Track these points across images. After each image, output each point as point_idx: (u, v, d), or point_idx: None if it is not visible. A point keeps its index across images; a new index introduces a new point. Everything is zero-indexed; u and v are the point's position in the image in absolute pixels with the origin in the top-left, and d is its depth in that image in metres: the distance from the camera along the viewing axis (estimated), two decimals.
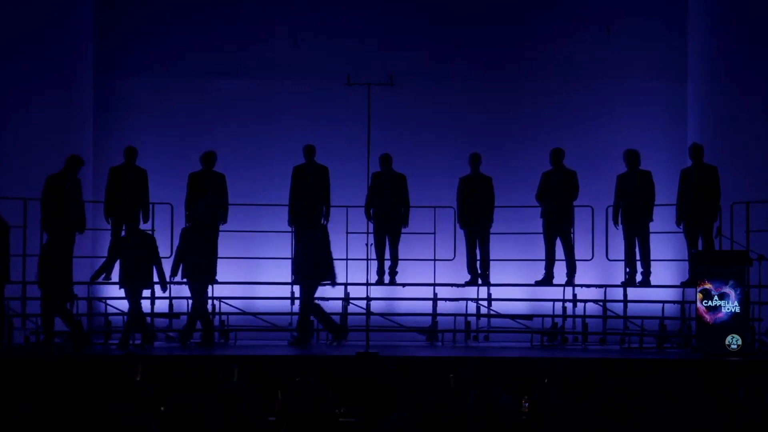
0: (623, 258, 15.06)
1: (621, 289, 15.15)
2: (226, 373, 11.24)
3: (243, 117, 17.13)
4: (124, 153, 15.16)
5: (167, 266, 14.42)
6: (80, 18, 16.82)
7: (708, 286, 13.34)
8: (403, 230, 15.53)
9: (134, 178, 15.02)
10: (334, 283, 14.80)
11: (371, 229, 15.39)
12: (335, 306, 15.57)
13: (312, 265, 14.53)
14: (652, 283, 14.97)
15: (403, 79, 15.31)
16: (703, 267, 13.51)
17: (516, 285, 15.60)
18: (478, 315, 15.65)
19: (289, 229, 15.57)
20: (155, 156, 16.89)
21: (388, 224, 15.42)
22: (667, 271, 15.50)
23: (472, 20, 17.12)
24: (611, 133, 16.86)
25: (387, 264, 15.48)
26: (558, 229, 15.13)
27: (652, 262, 14.97)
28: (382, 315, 15.42)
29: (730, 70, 15.89)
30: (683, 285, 14.70)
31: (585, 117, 17.00)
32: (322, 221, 15.17)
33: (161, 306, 15.35)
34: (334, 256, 15.57)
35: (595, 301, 15.32)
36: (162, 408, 11.06)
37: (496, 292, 15.67)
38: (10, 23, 15.63)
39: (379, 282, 15.45)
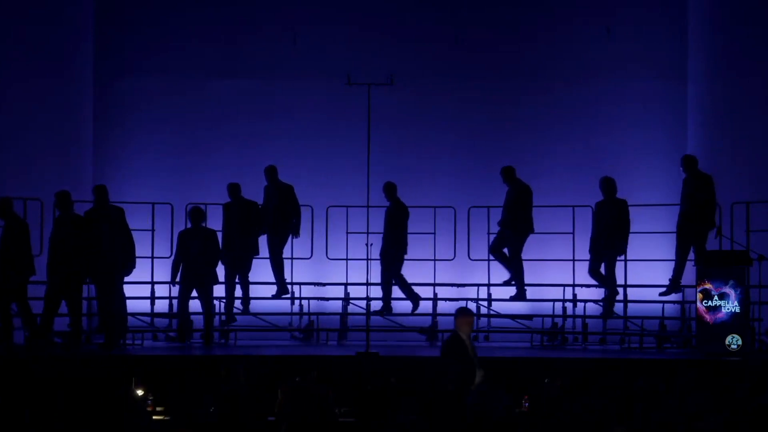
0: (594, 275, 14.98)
1: (620, 289, 15.12)
2: (229, 372, 11.22)
3: (243, 117, 17.14)
4: (93, 193, 14.34)
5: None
6: (80, 18, 16.81)
7: (708, 286, 13.34)
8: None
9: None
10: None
11: (371, 229, 15.35)
12: (335, 306, 15.60)
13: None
14: (652, 283, 14.93)
15: (403, 79, 15.30)
16: (703, 267, 13.50)
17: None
18: (478, 315, 15.63)
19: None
20: (155, 156, 16.94)
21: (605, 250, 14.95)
22: (667, 271, 15.48)
23: (472, 20, 17.11)
24: (611, 132, 16.86)
25: None
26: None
27: (651, 263, 14.97)
28: (382, 315, 15.40)
29: (730, 70, 15.87)
30: (661, 294, 14.62)
31: (585, 116, 17.00)
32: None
33: (161, 306, 15.37)
34: (334, 256, 15.63)
35: (595, 301, 15.31)
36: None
37: (496, 292, 15.67)
38: (10, 23, 15.63)
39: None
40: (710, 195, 14.28)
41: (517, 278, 15.15)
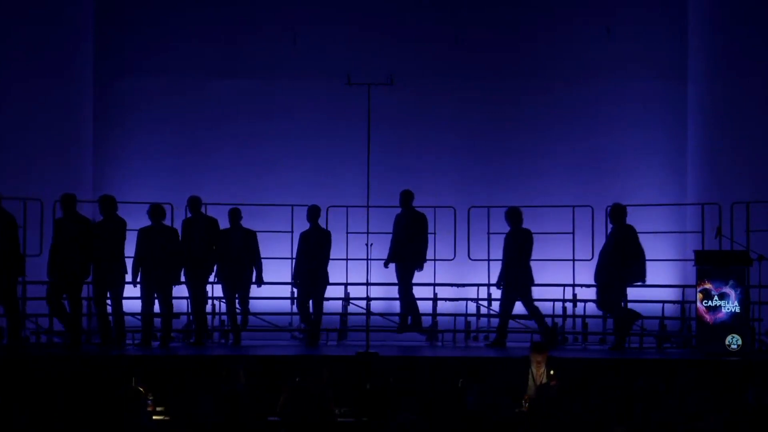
0: None
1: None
2: (229, 372, 11.23)
3: (243, 117, 17.14)
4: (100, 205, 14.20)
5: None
6: (80, 18, 16.82)
7: (708, 286, 13.34)
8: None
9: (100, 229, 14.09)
10: None
11: (371, 229, 15.36)
12: (335, 306, 15.59)
13: None
14: (651, 283, 14.92)
15: (403, 79, 15.30)
16: (704, 267, 13.51)
17: None
18: (478, 315, 15.66)
19: (290, 228, 15.70)
20: (155, 156, 16.94)
21: None
22: (667, 271, 15.50)
23: (472, 20, 17.12)
24: (611, 132, 16.86)
25: None
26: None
27: (651, 262, 14.97)
28: (382, 315, 15.41)
29: (730, 70, 15.88)
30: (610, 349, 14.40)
31: (585, 116, 17.00)
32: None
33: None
34: (334, 256, 15.61)
35: (595, 301, 15.30)
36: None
37: (496, 292, 15.67)
38: (10, 23, 15.64)
39: None
40: (635, 247, 14.19)
41: (412, 311, 15.01)
